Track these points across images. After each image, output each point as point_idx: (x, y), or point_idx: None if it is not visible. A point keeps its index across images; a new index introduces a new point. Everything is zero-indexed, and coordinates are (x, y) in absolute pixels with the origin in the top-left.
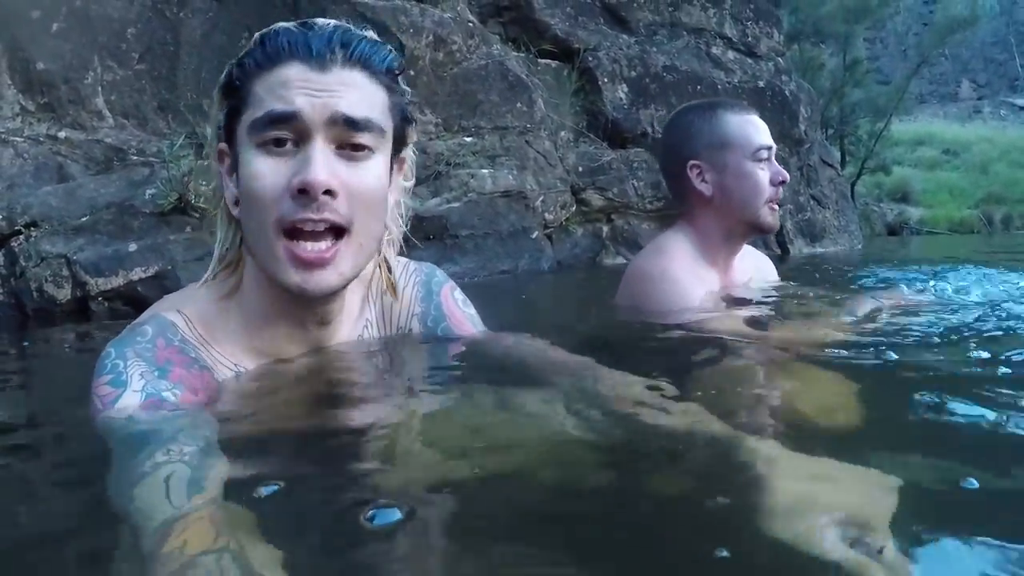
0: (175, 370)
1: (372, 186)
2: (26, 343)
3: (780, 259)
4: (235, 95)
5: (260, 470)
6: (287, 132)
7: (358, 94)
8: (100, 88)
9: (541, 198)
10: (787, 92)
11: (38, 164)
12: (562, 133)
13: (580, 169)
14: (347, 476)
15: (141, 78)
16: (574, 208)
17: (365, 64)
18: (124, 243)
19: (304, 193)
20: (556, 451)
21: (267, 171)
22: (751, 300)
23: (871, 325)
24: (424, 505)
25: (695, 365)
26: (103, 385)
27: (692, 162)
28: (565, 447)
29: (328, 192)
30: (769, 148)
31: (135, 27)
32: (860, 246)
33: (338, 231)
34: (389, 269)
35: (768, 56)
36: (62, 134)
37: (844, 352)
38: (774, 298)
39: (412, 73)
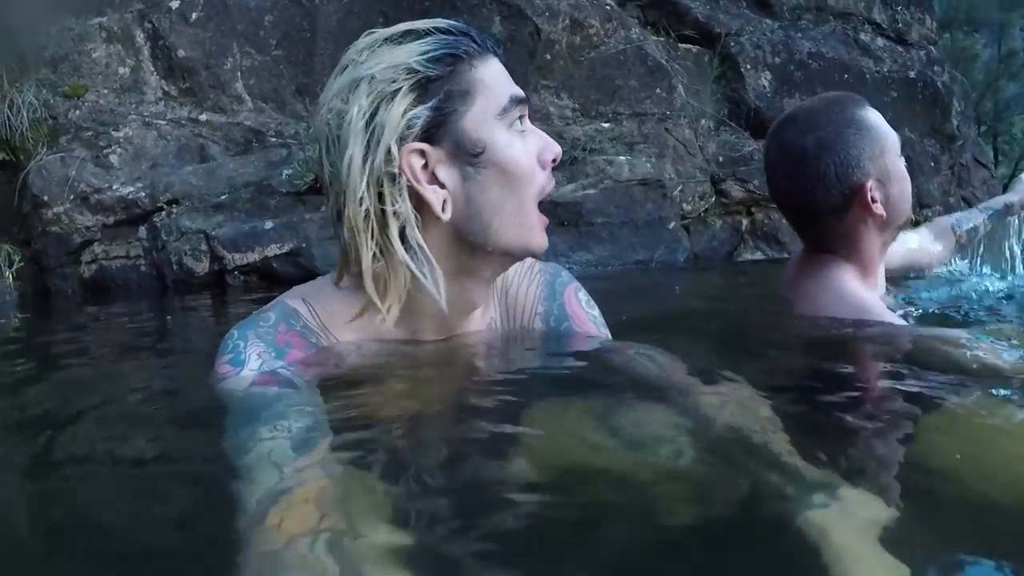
0: (292, 352)
1: None
2: (168, 316)
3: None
4: (458, 82)
5: (369, 449)
6: (523, 112)
7: None
8: (239, 73)
9: (679, 187)
10: (939, 84)
11: (180, 145)
12: (703, 121)
13: (720, 159)
14: (452, 467)
15: (279, 63)
16: (713, 199)
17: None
18: (261, 221)
19: (553, 163)
20: (636, 490)
21: (524, 150)
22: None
23: None
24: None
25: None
26: (224, 364)
27: (869, 183)
28: (649, 486)
29: None
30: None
31: (271, 15)
32: None
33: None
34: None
35: (919, 44)
36: (203, 117)
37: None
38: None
39: (548, 57)
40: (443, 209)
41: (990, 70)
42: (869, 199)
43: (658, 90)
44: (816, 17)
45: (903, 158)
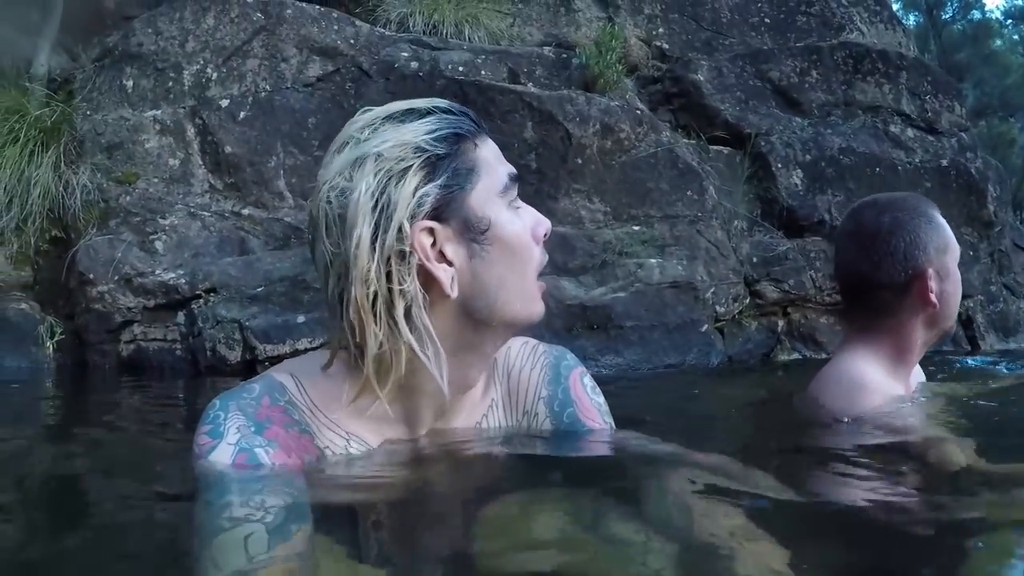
0: (272, 428)
1: None
2: (197, 399)
3: (969, 355)
4: (463, 162)
5: (342, 542)
6: (516, 191)
7: None
8: (282, 171)
9: (712, 289)
10: (973, 170)
11: (222, 237)
12: (735, 222)
13: (754, 260)
14: (426, 564)
15: (320, 163)
16: (747, 301)
17: None
18: (294, 314)
19: (545, 237)
20: None
21: (523, 227)
22: (936, 411)
23: None
24: None
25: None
26: (202, 435)
27: (930, 269)
28: None
29: None
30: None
31: (315, 117)
32: None
33: None
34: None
35: (950, 132)
36: (246, 211)
37: None
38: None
39: (580, 161)
40: (452, 287)
41: None
42: (928, 285)
43: (689, 192)
44: (845, 112)
45: (956, 267)
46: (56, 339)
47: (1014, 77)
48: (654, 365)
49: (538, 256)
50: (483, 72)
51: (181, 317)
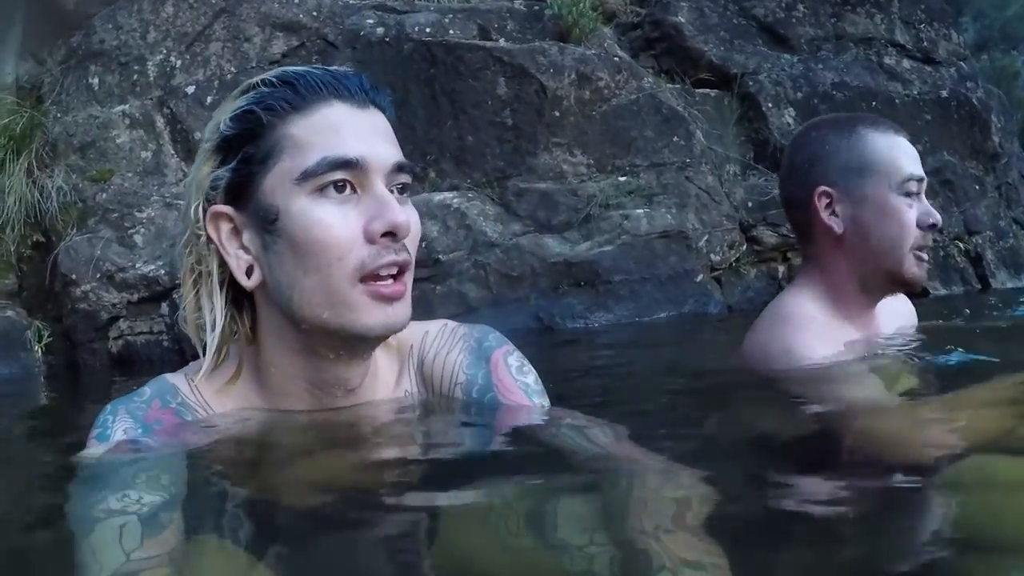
0: (159, 430)
1: (419, 225)
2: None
3: (979, 294)
4: (256, 143)
5: (230, 522)
6: (347, 176)
7: (391, 135)
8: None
9: (705, 237)
10: (975, 100)
11: None
12: (727, 166)
13: (749, 204)
14: (320, 548)
15: None
16: (744, 247)
17: (383, 105)
18: None
19: (389, 236)
20: None
21: (336, 219)
22: (894, 362)
23: None
24: None
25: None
26: (91, 439)
27: (821, 188)
28: None
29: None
30: (921, 180)
31: None
32: None
33: (400, 270)
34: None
35: (948, 61)
36: None
37: None
38: (920, 357)
39: (557, 114)
40: (247, 275)
41: None
42: (820, 205)
43: (675, 138)
44: (836, 46)
45: (913, 206)
46: (44, 342)
47: (1015, 8)
48: (647, 318)
49: (359, 256)
50: (451, 31)
51: (165, 308)
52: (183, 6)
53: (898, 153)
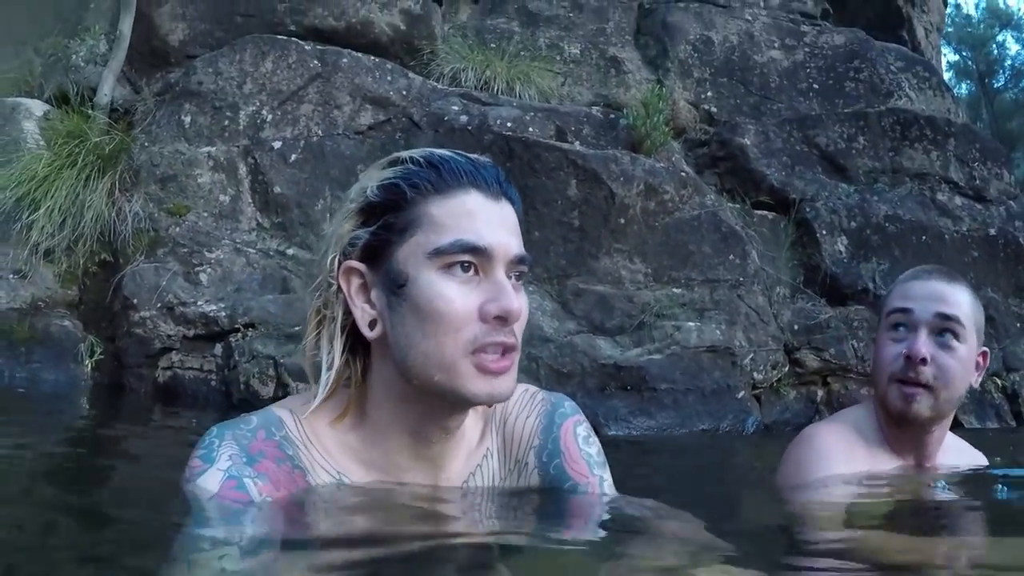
0: (264, 462)
1: (527, 312)
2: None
3: (1013, 432)
4: (397, 214)
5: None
6: (473, 260)
7: (517, 228)
8: (329, 215)
9: (751, 356)
10: (1022, 239)
11: (265, 275)
12: (777, 288)
13: (795, 327)
14: None
15: None
16: (787, 369)
17: (513, 198)
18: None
19: (500, 319)
20: None
21: (456, 295)
22: (921, 492)
23: None
24: None
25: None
26: (195, 458)
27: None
28: None
29: None
30: (904, 311)
31: (364, 164)
32: None
33: (509, 348)
34: None
35: (999, 200)
36: (290, 251)
37: None
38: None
39: (622, 221)
40: (370, 327)
41: None
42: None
43: (731, 256)
44: (892, 179)
45: (899, 340)
46: (95, 358)
47: None
48: (688, 429)
49: (474, 332)
50: (531, 129)
51: (219, 349)
52: (282, 64)
53: (895, 293)
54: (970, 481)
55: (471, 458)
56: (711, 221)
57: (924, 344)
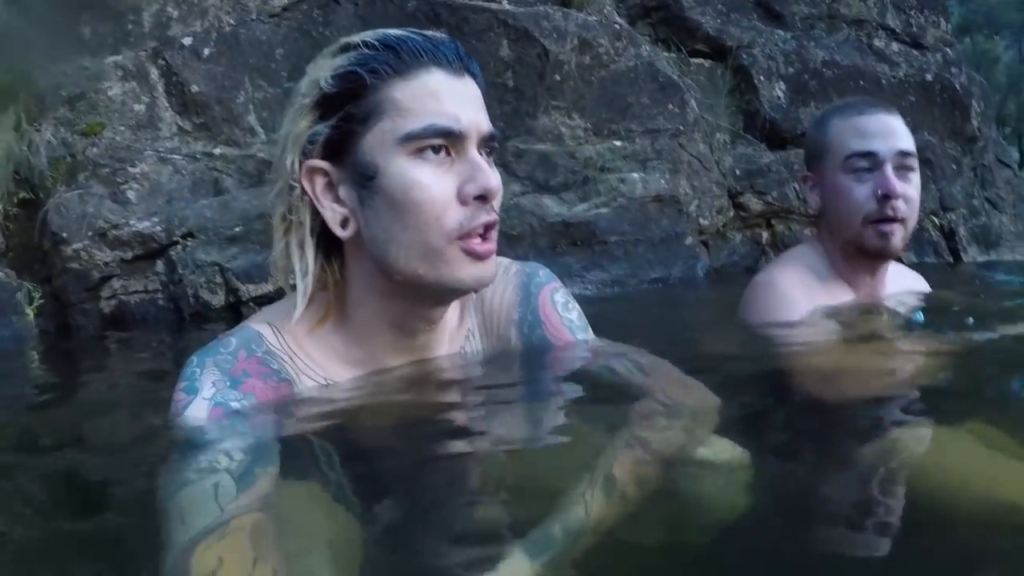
0: (248, 381)
1: (501, 187)
2: (185, 347)
3: (951, 267)
4: (357, 103)
5: (325, 483)
6: (445, 142)
7: (483, 104)
8: (251, 106)
9: (695, 203)
10: (957, 85)
11: (195, 180)
12: (717, 135)
13: (737, 172)
14: (414, 498)
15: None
16: (731, 213)
17: (475, 73)
18: None
19: (481, 199)
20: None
21: (432, 180)
22: (877, 318)
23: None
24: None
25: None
26: (179, 391)
27: (803, 173)
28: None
29: None
30: (868, 155)
31: (282, 48)
32: None
33: (491, 226)
34: None
35: (935, 47)
36: (217, 151)
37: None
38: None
39: (558, 78)
40: (343, 227)
41: (1012, 72)
42: (802, 187)
43: (670, 106)
44: (829, 25)
45: (864, 181)
46: (36, 304)
47: None
48: (640, 279)
49: (456, 217)
50: None
51: (160, 266)
52: None
53: (847, 134)
54: (919, 306)
55: (453, 342)
56: (648, 72)
57: (895, 181)
